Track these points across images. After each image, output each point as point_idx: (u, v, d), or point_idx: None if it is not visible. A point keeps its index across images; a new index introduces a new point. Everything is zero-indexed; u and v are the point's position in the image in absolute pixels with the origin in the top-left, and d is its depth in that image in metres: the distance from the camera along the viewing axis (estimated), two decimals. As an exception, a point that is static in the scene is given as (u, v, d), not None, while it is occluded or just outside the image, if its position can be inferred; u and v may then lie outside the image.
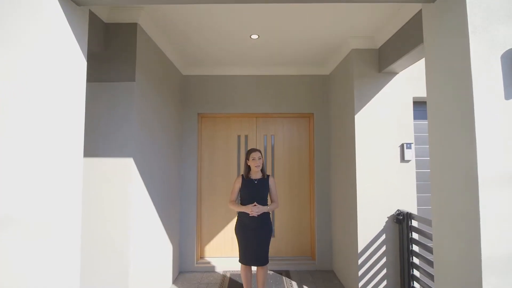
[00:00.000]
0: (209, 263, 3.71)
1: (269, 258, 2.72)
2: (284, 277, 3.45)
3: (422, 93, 2.94)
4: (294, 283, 3.30)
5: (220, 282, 3.36)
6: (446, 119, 1.57)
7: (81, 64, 1.62)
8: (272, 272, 3.57)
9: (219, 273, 3.59)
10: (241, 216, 2.70)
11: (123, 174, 2.21)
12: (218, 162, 3.90)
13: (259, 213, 2.59)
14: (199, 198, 3.82)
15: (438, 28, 1.65)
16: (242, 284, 2.90)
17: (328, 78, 3.85)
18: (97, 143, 2.22)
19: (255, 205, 2.60)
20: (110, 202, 2.20)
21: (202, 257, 3.82)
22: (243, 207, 2.63)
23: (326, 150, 3.79)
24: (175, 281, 3.38)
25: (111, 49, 2.32)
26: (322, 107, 3.84)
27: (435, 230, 1.65)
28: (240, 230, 2.68)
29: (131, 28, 2.34)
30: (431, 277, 2.38)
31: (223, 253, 3.83)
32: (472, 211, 1.36)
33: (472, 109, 1.38)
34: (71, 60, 1.53)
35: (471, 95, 1.40)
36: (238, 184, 2.76)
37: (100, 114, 2.25)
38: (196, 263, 3.68)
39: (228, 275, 3.53)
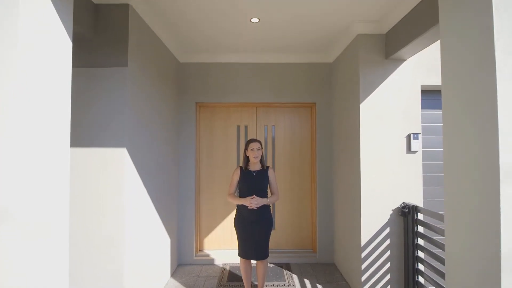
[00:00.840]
0: (208, 255, 3.65)
1: (269, 251, 2.64)
2: (284, 270, 3.39)
3: (430, 81, 2.81)
4: (294, 276, 3.24)
5: (219, 275, 3.30)
6: (463, 106, 1.45)
7: (66, 46, 1.48)
8: (272, 265, 3.51)
9: (218, 266, 3.53)
10: (240, 209, 2.60)
11: (116, 165, 2.10)
12: (217, 153, 3.79)
13: (258, 205, 2.50)
14: (198, 189, 3.73)
15: (456, 6, 1.51)
16: (241, 277, 2.83)
17: (331, 66, 3.69)
18: (88, 132, 2.10)
19: (253, 198, 2.50)
20: (103, 194, 2.09)
21: (201, 250, 3.75)
22: (242, 199, 2.54)
23: (328, 140, 3.68)
24: (173, 273, 3.32)
25: (101, 32, 2.17)
26: (324, 96, 3.71)
27: (448, 224, 1.55)
28: (239, 223, 2.59)
29: (123, 10, 2.18)
30: (436, 271, 2.31)
31: (223, 245, 3.77)
32: (491, 204, 1.26)
33: (495, 95, 1.26)
34: (54, 41, 1.39)
35: (493, 80, 1.28)
36: (236, 176, 2.65)
37: (91, 102, 2.12)
38: (195, 256, 3.62)
39: (227, 267, 3.47)
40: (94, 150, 2.09)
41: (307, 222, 3.80)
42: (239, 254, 2.62)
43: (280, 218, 3.79)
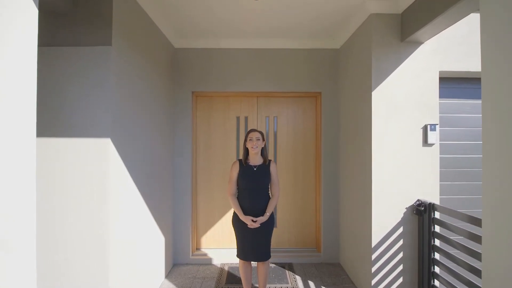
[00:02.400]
0: (205, 255, 3.43)
1: (271, 250, 2.42)
2: (287, 271, 3.17)
3: (449, 66, 2.56)
4: (298, 278, 3.03)
5: (217, 276, 3.08)
6: (508, 96, 1.20)
7: (30, 15, 1.21)
8: (273, 265, 3.29)
9: (216, 266, 3.31)
10: (240, 206, 2.36)
11: (99, 158, 1.85)
12: (215, 146, 3.54)
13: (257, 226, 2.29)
14: (194, 185, 3.49)
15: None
16: (241, 279, 2.60)
17: (338, 52, 3.42)
18: (66, 120, 1.84)
19: (255, 221, 2.29)
20: (84, 190, 1.85)
21: (198, 249, 3.53)
22: (243, 216, 2.30)
23: (334, 132, 3.43)
24: (168, 275, 3.10)
25: (81, 6, 1.89)
26: (331, 85, 3.44)
27: (487, 231, 1.31)
28: (237, 222, 2.36)
29: (106, -20, 1.91)
30: (454, 274, 2.10)
31: (221, 244, 3.55)
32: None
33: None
34: (13, 8, 1.12)
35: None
36: (235, 171, 2.40)
37: (68, 86, 1.86)
38: (192, 255, 3.40)
39: (226, 268, 3.25)
40: (73, 141, 1.84)
41: (310, 219, 3.58)
42: (238, 256, 2.39)
43: (282, 215, 3.57)
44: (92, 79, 1.87)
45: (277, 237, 3.49)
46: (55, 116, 1.84)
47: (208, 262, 3.37)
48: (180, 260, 3.36)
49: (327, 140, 3.43)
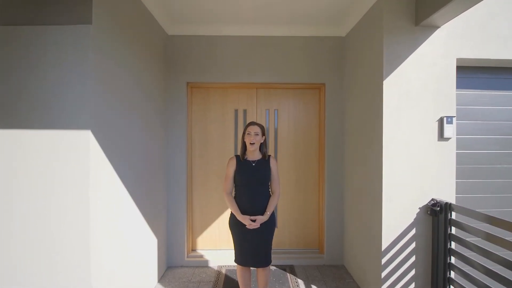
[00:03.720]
0: (201, 256, 3.23)
1: (271, 253, 2.21)
2: (288, 274, 2.97)
3: (467, 53, 2.34)
4: (300, 281, 2.83)
5: (214, 279, 2.88)
6: None
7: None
8: (274, 267, 3.09)
9: (213, 269, 3.11)
10: (238, 204, 2.15)
11: (77, 152, 1.63)
12: (212, 141, 3.32)
13: (257, 226, 2.08)
14: (190, 183, 3.27)
15: None
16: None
17: (344, 40, 3.19)
18: (40, 110, 1.61)
19: (254, 220, 2.09)
20: (60, 188, 1.62)
21: (194, 250, 3.33)
22: (241, 216, 2.09)
23: (339, 126, 3.21)
24: (161, 279, 2.90)
25: (56, -22, 1.65)
26: (335, 76, 3.22)
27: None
28: (235, 224, 2.14)
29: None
30: (473, 280, 1.91)
31: (218, 245, 3.34)
32: None
33: None
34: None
35: None
36: (232, 167, 2.19)
37: (42, 70, 1.62)
38: (187, 257, 3.19)
39: (223, 271, 3.05)
40: (47, 133, 1.61)
41: (313, 219, 3.37)
42: (236, 261, 2.18)
43: (282, 214, 3.36)
44: (69, 63, 1.63)
45: (278, 237, 3.28)
46: (27, 105, 1.61)
47: (204, 264, 3.17)
48: (175, 262, 3.16)
49: (331, 135, 3.21)
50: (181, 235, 3.15)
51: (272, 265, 3.11)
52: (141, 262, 2.41)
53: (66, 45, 1.62)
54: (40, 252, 1.62)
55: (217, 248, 3.33)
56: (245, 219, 2.06)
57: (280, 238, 3.32)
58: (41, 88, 1.61)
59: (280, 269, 3.08)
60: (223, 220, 3.32)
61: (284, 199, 3.32)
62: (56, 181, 1.62)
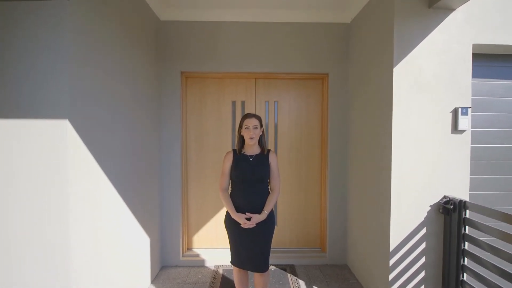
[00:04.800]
0: (198, 255, 3.07)
1: (270, 250, 2.05)
2: (289, 274, 2.83)
3: (485, 38, 2.15)
4: (301, 282, 2.69)
5: (210, 280, 2.73)
6: None
7: None
8: (274, 267, 2.95)
9: (209, 268, 2.96)
10: (234, 202, 1.98)
11: (52, 144, 1.45)
12: (208, 135, 3.14)
13: (253, 225, 1.91)
14: (185, 178, 3.10)
15: None
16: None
17: (349, 27, 2.99)
18: (9, 96, 1.43)
19: (249, 217, 1.92)
20: (32, 185, 1.45)
21: (189, 249, 3.17)
22: (235, 214, 1.92)
23: (343, 119, 3.03)
24: (155, 279, 2.74)
25: None
26: (339, 65, 3.02)
27: None
28: (231, 222, 1.98)
29: None
30: (488, 284, 1.75)
31: (215, 243, 3.19)
32: None
33: None
34: None
35: None
36: (228, 162, 2.01)
37: (13, 51, 1.43)
38: (182, 256, 3.04)
39: (220, 271, 2.90)
40: (18, 123, 1.43)
41: (315, 216, 3.22)
42: (232, 262, 2.02)
43: (283, 211, 3.20)
44: (43, 44, 1.44)
45: (278, 235, 3.13)
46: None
47: (200, 264, 3.01)
48: (169, 262, 3.00)
49: (334, 128, 3.03)
50: (176, 233, 2.99)
51: (272, 265, 2.96)
52: (132, 263, 2.25)
53: (38, 23, 1.43)
54: (8, 259, 1.45)
55: (214, 246, 3.18)
56: (240, 218, 1.89)
57: (280, 236, 3.17)
58: (10, 72, 1.43)
59: (280, 269, 2.93)
60: (220, 217, 3.16)
61: (284, 195, 3.16)
62: (31, 177, 1.44)
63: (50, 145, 1.44)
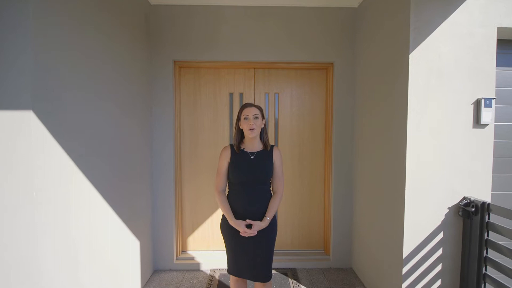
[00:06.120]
0: (192, 258, 2.87)
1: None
2: (290, 279, 2.63)
3: (511, 21, 1.91)
4: (304, 288, 2.50)
5: (206, 286, 2.53)
6: None
7: None
8: (274, 271, 2.75)
9: (205, 273, 2.76)
10: (231, 206, 1.75)
11: (15, 140, 1.22)
12: (203, 129, 2.91)
13: (254, 234, 1.68)
14: (179, 176, 2.88)
15: None
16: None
17: (357, 12, 2.75)
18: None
19: (249, 224, 1.69)
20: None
21: (184, 251, 2.97)
22: (234, 220, 1.69)
23: (350, 112, 2.81)
24: (146, 284, 2.55)
25: None
26: (346, 54, 2.79)
27: None
28: (228, 230, 1.75)
29: None
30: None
31: (211, 245, 2.99)
32: None
33: None
34: None
35: None
36: (225, 159, 1.78)
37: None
38: (176, 259, 2.84)
39: (216, 275, 2.70)
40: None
41: (318, 216, 3.01)
42: (230, 271, 1.81)
43: (284, 211, 3.00)
44: (3, 23, 1.20)
45: (278, 236, 2.90)
46: None
47: (195, 268, 2.82)
48: (163, 266, 2.80)
49: (340, 122, 2.81)
50: (169, 235, 2.79)
51: (273, 269, 2.75)
52: (118, 269, 2.04)
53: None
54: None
55: (210, 249, 2.98)
56: (239, 225, 1.67)
57: (281, 237, 2.97)
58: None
59: (280, 273, 2.73)
60: (217, 217, 2.96)
61: (285, 194, 2.95)
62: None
63: (11, 142, 1.22)
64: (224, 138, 2.92)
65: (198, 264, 2.82)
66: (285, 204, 2.98)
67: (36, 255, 1.26)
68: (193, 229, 2.97)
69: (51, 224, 1.35)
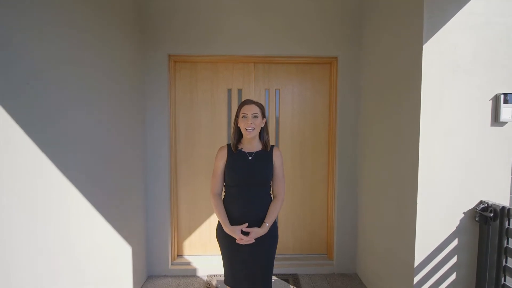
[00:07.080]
0: (189, 263, 2.73)
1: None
2: (291, 286, 2.49)
3: (533, 10, 1.75)
4: (306, 296, 2.36)
5: (202, 293, 2.39)
6: None
7: None
8: (275, 277, 2.61)
9: (202, 279, 2.62)
10: (227, 212, 1.61)
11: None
12: (200, 127, 2.76)
13: (251, 241, 1.54)
14: (174, 177, 2.73)
15: None
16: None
17: (363, 2, 2.59)
18: None
19: (246, 229, 1.55)
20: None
21: (180, 256, 2.83)
22: (229, 227, 1.54)
23: (355, 109, 2.66)
24: (139, 292, 2.41)
25: None
26: (351, 47, 2.64)
27: None
28: (224, 236, 1.60)
29: None
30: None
31: (208, 250, 2.84)
32: None
33: None
34: None
35: None
36: (221, 160, 1.64)
37: None
38: (172, 264, 2.70)
39: (214, 282, 2.56)
40: None
41: (321, 219, 2.87)
42: (227, 283, 1.66)
43: (284, 213, 2.85)
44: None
45: (279, 241, 2.77)
46: None
47: (191, 273, 2.67)
48: (157, 271, 2.66)
49: (344, 120, 2.66)
50: (164, 239, 2.64)
51: (273, 275, 2.60)
52: (106, 277, 1.89)
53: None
54: None
55: (207, 253, 2.84)
56: (235, 232, 1.52)
57: (281, 241, 2.82)
58: None
59: (281, 279, 2.59)
60: (215, 220, 2.81)
61: (286, 195, 2.81)
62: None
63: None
64: (222, 137, 2.77)
65: (194, 270, 2.68)
66: (286, 205, 2.83)
67: (6, 266, 1.12)
68: (189, 232, 2.82)
69: (24, 231, 1.20)
